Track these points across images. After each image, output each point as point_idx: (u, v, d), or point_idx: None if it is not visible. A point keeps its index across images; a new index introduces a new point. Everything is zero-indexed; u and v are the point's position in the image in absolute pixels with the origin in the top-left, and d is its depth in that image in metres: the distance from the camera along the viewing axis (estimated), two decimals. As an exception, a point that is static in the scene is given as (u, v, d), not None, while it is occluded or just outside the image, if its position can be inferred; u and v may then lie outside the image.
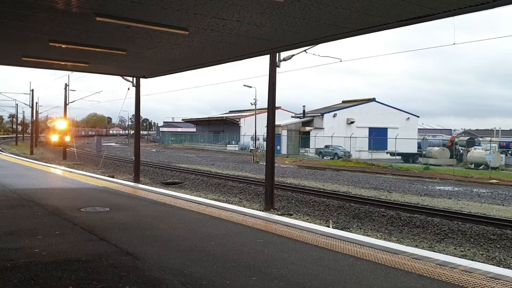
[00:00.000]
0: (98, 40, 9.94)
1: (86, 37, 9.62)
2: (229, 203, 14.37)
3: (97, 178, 16.75)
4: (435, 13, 7.02)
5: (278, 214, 13.08)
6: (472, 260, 9.02)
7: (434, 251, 9.31)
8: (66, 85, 43.39)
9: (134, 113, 21.98)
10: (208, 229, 7.71)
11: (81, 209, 9.39)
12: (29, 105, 56.09)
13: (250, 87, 48.32)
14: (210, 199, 13.50)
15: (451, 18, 7.56)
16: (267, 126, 15.96)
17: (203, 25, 8.32)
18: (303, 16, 7.47)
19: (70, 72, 35.17)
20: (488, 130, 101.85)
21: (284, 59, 17.26)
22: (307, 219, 13.52)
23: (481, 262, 8.79)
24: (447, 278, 5.07)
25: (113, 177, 21.25)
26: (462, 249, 10.83)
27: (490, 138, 57.41)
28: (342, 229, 11.43)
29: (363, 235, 10.12)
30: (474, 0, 6.37)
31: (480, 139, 60.57)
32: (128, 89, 21.60)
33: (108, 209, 9.54)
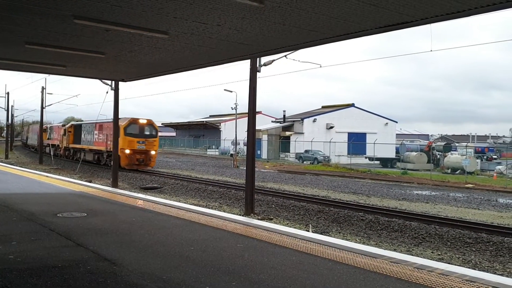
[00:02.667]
0: (76, 43, 9.81)
1: (64, 39, 9.48)
2: (209, 208, 14.30)
3: (74, 183, 16.48)
4: (413, 20, 7.15)
5: (258, 219, 13.07)
6: (449, 263, 9.16)
7: (412, 255, 9.43)
8: (43, 88, 42.61)
9: (112, 117, 21.72)
10: (187, 234, 7.66)
11: (58, 215, 9.22)
12: (4, 108, 54.91)
13: (231, 91, 48.31)
14: (190, 204, 13.42)
15: (428, 25, 7.71)
16: (247, 131, 15.96)
17: (183, 29, 8.30)
18: (283, 21, 7.52)
19: (47, 75, 34.66)
20: (464, 135, 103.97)
21: (265, 64, 17.32)
22: (287, 224, 13.55)
23: (458, 265, 8.94)
24: (425, 282, 5.15)
25: (90, 181, 20.94)
26: (439, 253, 10.99)
27: (466, 143, 58.64)
28: (321, 233, 11.49)
29: (342, 239, 10.18)
30: (450, 9, 6.51)
31: (457, 144, 61.84)
32: (107, 92, 21.36)
33: (86, 214, 9.39)
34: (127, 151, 31.80)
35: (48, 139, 48.90)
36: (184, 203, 14.60)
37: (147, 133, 33.50)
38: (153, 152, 33.41)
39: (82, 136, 38.87)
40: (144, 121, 33.59)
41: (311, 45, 9.20)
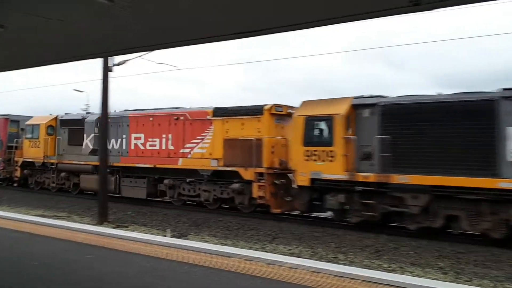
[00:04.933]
0: None
1: None
2: (57, 219, 13.16)
3: None
4: (270, 27, 7.47)
5: (113, 227, 12.43)
6: (298, 257, 9.80)
7: (266, 251, 9.87)
8: None
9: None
10: (29, 248, 6.93)
11: None
12: None
13: (81, 91, 45.25)
14: (33, 216, 12.22)
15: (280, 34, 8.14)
16: (99, 132, 15.14)
17: (22, 23, 7.50)
18: (136, 21, 7.27)
19: None
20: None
21: (119, 64, 16.60)
22: (144, 230, 13.11)
23: (306, 258, 9.60)
24: (275, 276, 5.42)
25: None
26: (291, 247, 11.67)
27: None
28: (180, 238, 11.39)
29: (200, 241, 10.23)
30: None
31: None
32: None
33: None
34: None
35: None
36: (26, 214, 13.24)
37: None
38: None
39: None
40: None
41: (165, 46, 9.05)
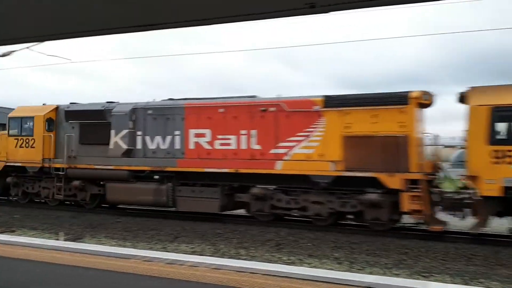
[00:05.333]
0: None
1: None
2: None
3: None
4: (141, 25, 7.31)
5: (-2, 232, 11.39)
6: (201, 255, 9.77)
7: (167, 251, 9.69)
8: None
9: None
10: None
11: None
12: None
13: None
14: None
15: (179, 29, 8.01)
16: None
17: None
18: (21, 10, 6.71)
19: None
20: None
21: (4, 55, 15.23)
22: (34, 234, 12.22)
23: (209, 255, 9.61)
24: (175, 275, 5.33)
25: None
26: (193, 246, 11.59)
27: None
28: (74, 241, 10.76)
29: (96, 244, 9.75)
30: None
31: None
32: None
33: None
34: None
35: None
36: None
37: None
38: None
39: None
40: None
41: (56, 38, 8.49)
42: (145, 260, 6.12)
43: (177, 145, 13.95)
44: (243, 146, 13.01)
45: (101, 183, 15.25)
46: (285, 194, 12.59)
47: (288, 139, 12.52)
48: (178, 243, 11.94)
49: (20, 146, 16.38)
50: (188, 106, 13.98)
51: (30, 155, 16.14)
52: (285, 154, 12.47)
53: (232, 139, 13.18)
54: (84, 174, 15.32)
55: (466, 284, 6.87)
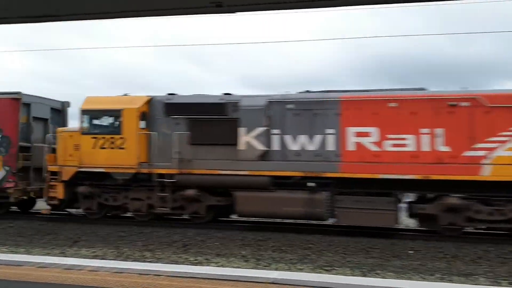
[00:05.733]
0: None
1: None
2: None
3: None
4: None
5: None
6: (103, 259, 9.34)
7: (66, 256, 9.14)
8: None
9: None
10: None
11: None
12: None
13: None
14: None
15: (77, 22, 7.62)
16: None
17: None
18: None
19: None
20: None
21: None
22: None
23: (111, 259, 9.22)
24: (74, 281, 5.05)
25: None
26: (95, 250, 11.05)
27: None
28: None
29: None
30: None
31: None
32: None
33: None
34: None
35: None
36: None
37: None
38: None
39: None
40: None
41: None
42: (40, 267, 5.71)
43: (330, 146, 11.65)
44: (426, 147, 10.99)
45: (219, 191, 12.76)
46: (485, 204, 10.72)
47: (488, 139, 10.69)
48: (78, 248, 11.33)
49: (102, 147, 13.19)
50: (345, 100, 11.69)
51: (118, 159, 13.00)
52: (483, 157, 10.63)
53: (410, 139, 11.12)
54: (203, 181, 12.55)
55: (364, 275, 7.30)
